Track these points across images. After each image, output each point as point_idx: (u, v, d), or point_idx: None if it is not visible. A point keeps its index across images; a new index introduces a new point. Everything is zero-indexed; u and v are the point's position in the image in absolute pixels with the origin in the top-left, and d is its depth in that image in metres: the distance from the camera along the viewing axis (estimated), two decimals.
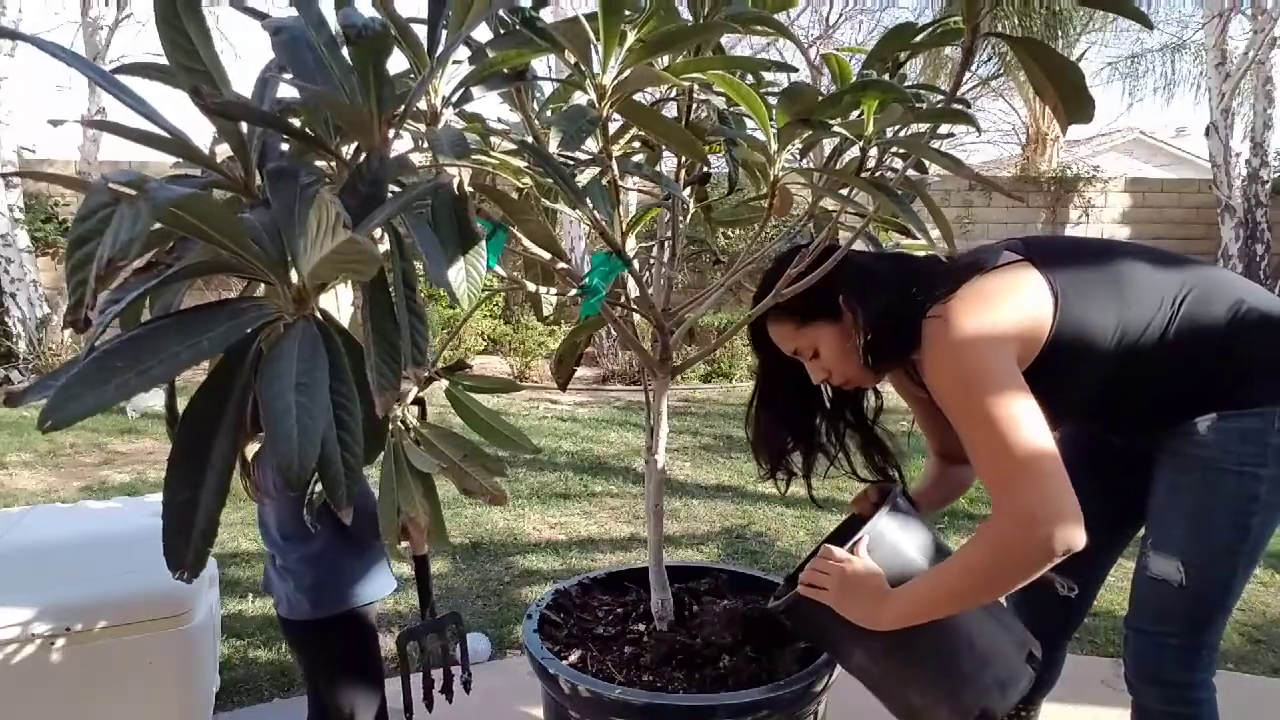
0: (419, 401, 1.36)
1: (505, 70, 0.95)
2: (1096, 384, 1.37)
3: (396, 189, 0.73)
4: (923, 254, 1.43)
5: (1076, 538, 1.13)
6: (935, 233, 1.40)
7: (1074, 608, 1.66)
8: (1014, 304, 1.29)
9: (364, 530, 1.67)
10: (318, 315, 0.62)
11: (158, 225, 0.57)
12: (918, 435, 1.69)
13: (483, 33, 1.01)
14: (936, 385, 1.28)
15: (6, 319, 7.39)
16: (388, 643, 2.47)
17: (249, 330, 0.60)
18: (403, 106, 0.78)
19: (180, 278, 0.62)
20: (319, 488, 1.42)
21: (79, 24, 8.13)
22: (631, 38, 1.02)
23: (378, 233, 0.70)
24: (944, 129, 1.31)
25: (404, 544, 1.74)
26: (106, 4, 8.11)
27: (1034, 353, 1.31)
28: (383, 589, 1.76)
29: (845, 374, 1.39)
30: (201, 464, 0.58)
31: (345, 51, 0.79)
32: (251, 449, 1.51)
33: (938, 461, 1.67)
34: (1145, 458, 1.45)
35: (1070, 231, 10.52)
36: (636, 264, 1.39)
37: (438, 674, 1.75)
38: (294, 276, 0.62)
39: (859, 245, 1.46)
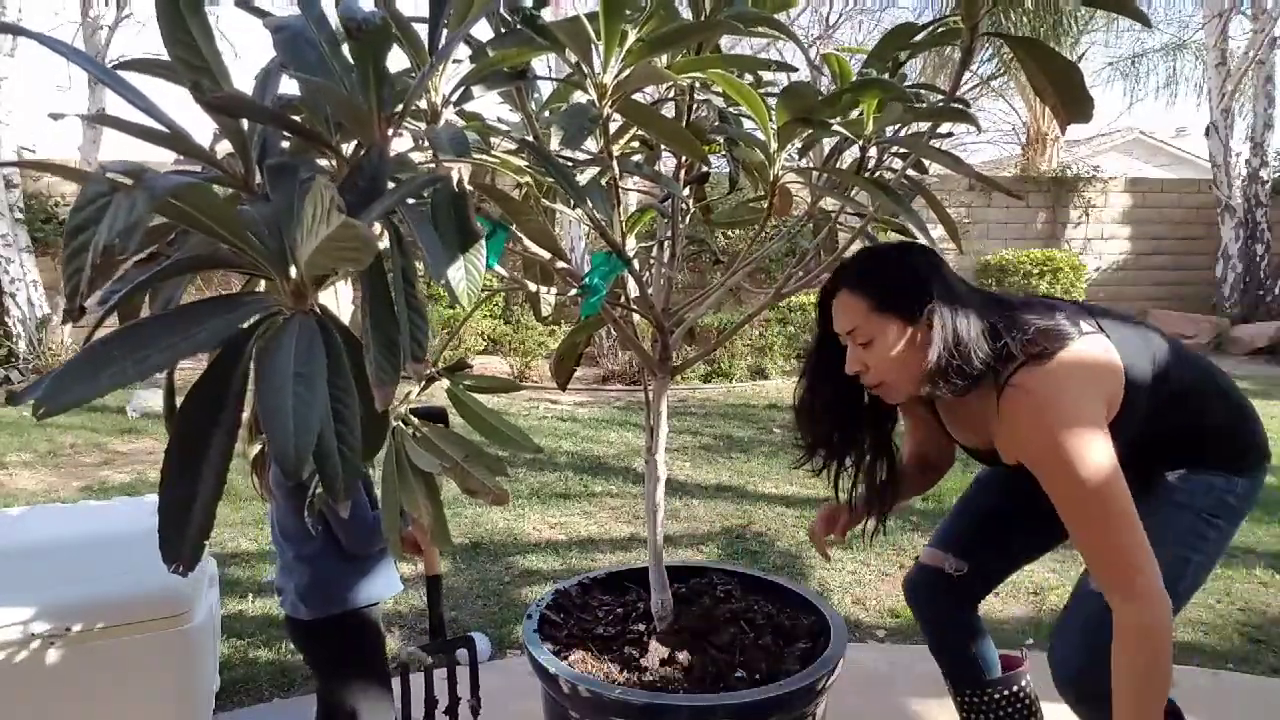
0: (439, 414, 1.36)
1: (506, 69, 0.95)
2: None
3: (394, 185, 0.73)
4: (1016, 297, 1.44)
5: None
6: (937, 232, 1.40)
7: (966, 591, 1.69)
8: (1104, 381, 1.33)
9: (357, 542, 1.66)
10: (316, 310, 0.62)
11: (160, 219, 0.57)
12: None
13: (484, 32, 1.01)
14: (1034, 457, 1.29)
15: (6, 319, 7.39)
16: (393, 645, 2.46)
17: (247, 323, 0.60)
18: (402, 103, 0.78)
19: (179, 270, 0.62)
20: (319, 490, 1.42)
21: (79, 24, 8.13)
22: (632, 37, 1.02)
23: (377, 229, 0.70)
24: (944, 128, 1.31)
25: (413, 555, 1.75)
26: (106, 4, 8.11)
27: (1111, 418, 1.35)
28: (382, 591, 1.75)
29: (884, 375, 1.36)
30: (198, 460, 0.58)
31: (345, 50, 0.80)
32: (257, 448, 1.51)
33: (911, 463, 1.69)
34: None
35: (1070, 231, 10.53)
36: (636, 264, 1.39)
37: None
38: (293, 271, 0.62)
39: (859, 246, 1.46)
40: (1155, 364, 1.41)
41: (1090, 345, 1.34)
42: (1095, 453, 1.25)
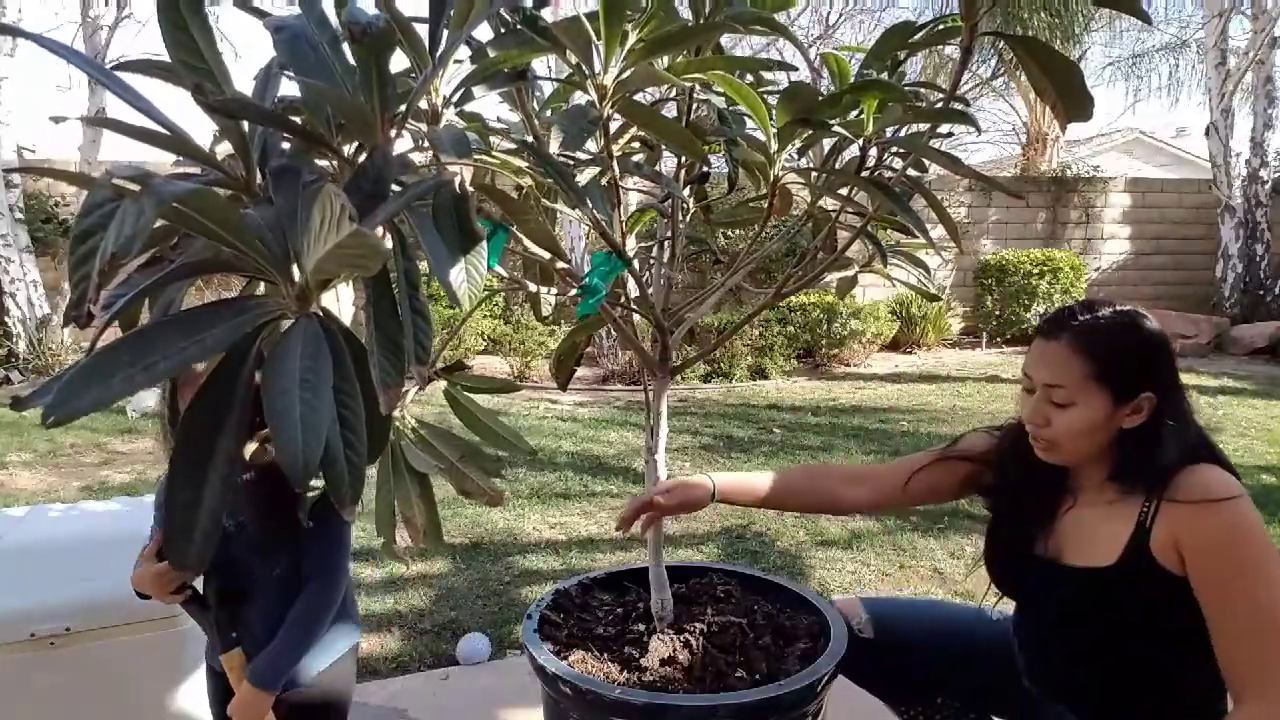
0: None
1: (506, 70, 0.95)
2: None
3: (398, 188, 0.73)
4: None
5: None
6: (937, 232, 1.40)
7: (870, 650, 1.55)
8: None
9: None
10: (320, 313, 0.62)
11: (161, 222, 0.57)
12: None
13: (484, 32, 1.01)
14: (1228, 564, 1.19)
15: (6, 319, 7.40)
16: (390, 643, 2.44)
17: (252, 327, 0.60)
18: (405, 105, 0.78)
19: (183, 274, 0.62)
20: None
21: (79, 24, 8.14)
22: (633, 38, 1.02)
23: (379, 230, 0.70)
24: (944, 128, 1.31)
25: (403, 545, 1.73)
26: (106, 4, 8.12)
27: None
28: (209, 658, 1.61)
29: (1063, 438, 1.27)
30: (204, 463, 0.58)
31: (346, 50, 0.80)
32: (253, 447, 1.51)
33: (862, 495, 1.56)
34: None
35: (1070, 231, 10.53)
36: (636, 264, 1.39)
37: None
38: (296, 274, 0.62)
39: (857, 247, 1.46)
40: None
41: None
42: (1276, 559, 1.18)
